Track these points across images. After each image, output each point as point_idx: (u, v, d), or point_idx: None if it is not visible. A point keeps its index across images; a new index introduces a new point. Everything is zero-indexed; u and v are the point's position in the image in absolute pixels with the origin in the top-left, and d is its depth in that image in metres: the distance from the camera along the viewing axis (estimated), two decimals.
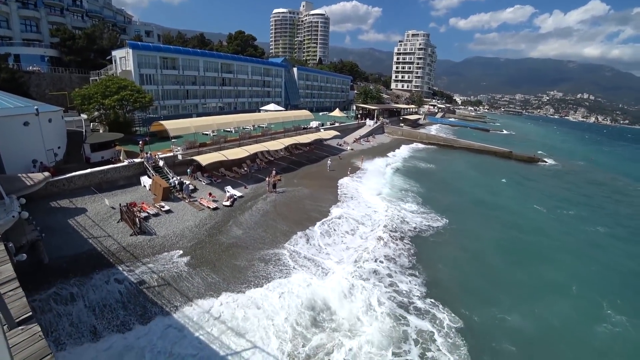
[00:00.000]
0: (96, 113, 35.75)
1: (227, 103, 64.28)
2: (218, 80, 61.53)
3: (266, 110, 54.79)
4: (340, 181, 32.28)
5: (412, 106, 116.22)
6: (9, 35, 53.73)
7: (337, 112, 72.61)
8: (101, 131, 34.98)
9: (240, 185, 27.94)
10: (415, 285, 16.56)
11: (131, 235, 17.71)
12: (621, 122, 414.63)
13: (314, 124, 52.58)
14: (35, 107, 23.07)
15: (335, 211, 24.82)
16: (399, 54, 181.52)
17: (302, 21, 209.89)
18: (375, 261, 18.34)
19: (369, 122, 67.77)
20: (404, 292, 15.95)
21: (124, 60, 48.72)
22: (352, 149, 48.37)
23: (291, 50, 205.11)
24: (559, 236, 24.85)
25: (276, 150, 37.69)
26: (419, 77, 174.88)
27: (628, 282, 18.89)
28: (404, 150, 54.16)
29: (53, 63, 53.22)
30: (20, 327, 5.12)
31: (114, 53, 51.21)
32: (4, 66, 38.00)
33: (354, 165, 38.83)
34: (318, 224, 22.14)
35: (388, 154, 48.89)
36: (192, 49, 65.13)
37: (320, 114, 77.30)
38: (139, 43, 51.87)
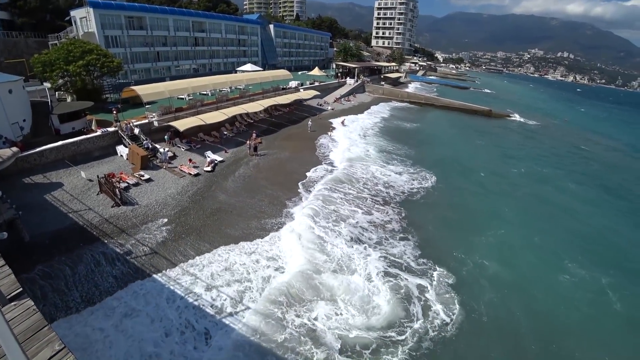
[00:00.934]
0: (60, 81, 33.63)
1: (202, 64, 61.37)
2: (190, 41, 58.12)
3: (243, 71, 52.63)
4: (322, 141, 32.15)
5: (393, 64, 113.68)
6: None
7: (316, 71, 70.37)
8: (68, 100, 33.17)
9: (221, 150, 27.52)
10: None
11: (112, 206, 17.47)
12: (597, 81, 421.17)
13: (292, 83, 51.17)
14: None
15: (317, 174, 25.01)
16: (379, 8, 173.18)
17: None
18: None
19: (349, 80, 66.35)
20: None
21: (84, 21, 45.11)
22: (332, 109, 47.73)
23: (266, 6, 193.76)
24: (532, 192, 26.01)
25: (255, 113, 36.84)
26: (400, 33, 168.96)
27: (590, 235, 20.27)
28: (384, 109, 53.87)
29: (4, 27, 48.61)
30: (12, 303, 5.13)
31: (72, 13, 47.15)
32: None
33: (335, 125, 38.56)
34: (302, 187, 22.35)
35: (369, 113, 48.59)
36: (160, 6, 60.55)
37: (299, 73, 74.87)
38: (99, 1, 47.79)
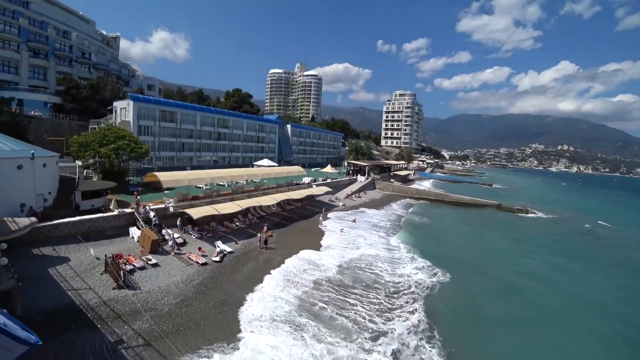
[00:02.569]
0: (91, 160, 35.85)
1: (222, 157, 65.50)
2: (214, 135, 63.37)
3: (259, 166, 55.76)
4: (332, 237, 31.98)
5: (402, 162, 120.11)
6: (15, 80, 55.43)
7: (329, 168, 74.40)
8: (94, 179, 34.79)
9: (231, 241, 27.41)
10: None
11: (114, 288, 16.83)
12: (602, 170, 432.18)
13: (306, 179, 53.42)
14: (32, 151, 23.13)
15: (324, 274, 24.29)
16: (387, 112, 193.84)
17: (297, 81, 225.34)
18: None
19: (360, 178, 69.12)
20: None
21: (124, 111, 50.13)
22: (344, 205, 48.68)
23: (285, 108, 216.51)
24: (552, 288, 24.49)
25: (268, 206, 37.68)
26: (407, 133, 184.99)
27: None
28: (394, 205, 54.70)
29: (55, 110, 54.32)
30: None
31: (115, 104, 52.80)
32: (5, 109, 38.76)
33: (346, 220, 38.81)
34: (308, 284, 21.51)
35: (379, 209, 49.29)
36: (191, 103, 67.73)
37: (313, 169, 78.88)
38: (140, 95, 53.90)
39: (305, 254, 26.63)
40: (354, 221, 39.20)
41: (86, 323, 13.91)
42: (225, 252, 24.57)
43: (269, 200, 36.05)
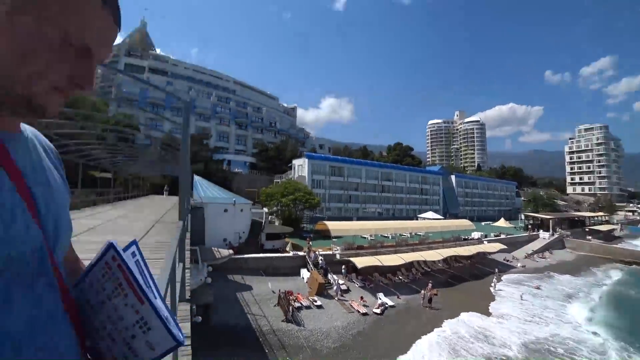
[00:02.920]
0: (274, 208, 42.03)
1: (386, 209, 66.40)
2: (378, 187, 65.46)
3: (424, 218, 53.45)
4: (508, 305, 26.49)
5: (600, 214, 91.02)
6: (227, 146, 75.09)
7: (502, 222, 64.21)
8: (276, 224, 40.25)
9: (393, 294, 26.12)
10: None
11: (282, 321, 18.11)
12: None
13: (475, 234, 47.63)
14: (234, 199, 28.84)
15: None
16: (571, 152, 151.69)
17: (457, 129, 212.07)
18: None
19: (542, 234, 56.79)
20: None
21: (300, 167, 57.89)
22: (523, 266, 40.44)
23: (448, 158, 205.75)
24: None
25: (433, 261, 34.90)
26: (603, 177, 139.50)
27: None
28: (596, 271, 41.80)
29: (251, 167, 69.17)
30: None
31: (294, 161, 61.82)
32: (220, 168, 50.93)
33: (526, 285, 31.86)
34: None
35: (575, 275, 38.55)
36: (356, 159, 72.93)
37: (483, 223, 70.05)
38: (313, 154, 61.84)
39: (474, 320, 22.74)
40: (538, 288, 31.83)
41: (257, 345, 15.28)
42: (386, 305, 23.41)
43: (435, 255, 33.46)
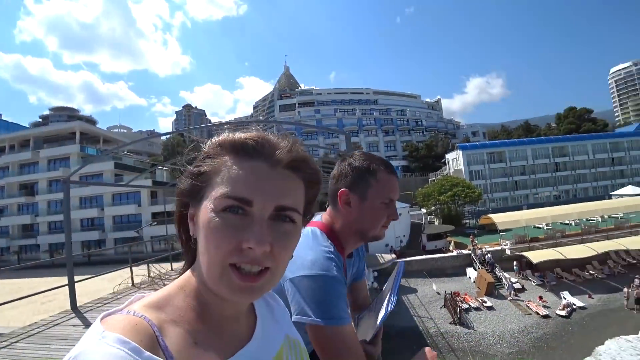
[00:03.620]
0: (433, 208, 42.04)
1: (564, 191, 56.20)
2: (550, 167, 55.99)
3: (620, 196, 43.10)
4: None
5: None
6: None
7: None
8: (436, 223, 40.21)
9: (583, 293, 22.77)
10: None
11: (450, 323, 18.69)
12: None
13: None
14: None
15: None
16: None
17: None
18: None
19: None
20: None
21: (455, 161, 55.35)
22: None
23: None
24: None
25: None
26: None
27: None
28: None
29: (403, 170, 70.27)
30: None
31: (447, 156, 59.53)
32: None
33: None
34: None
35: None
36: (518, 139, 64.13)
37: None
38: (467, 144, 58.04)
39: None
40: None
41: (424, 346, 16.31)
42: (574, 307, 20.77)
43: None
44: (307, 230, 1.26)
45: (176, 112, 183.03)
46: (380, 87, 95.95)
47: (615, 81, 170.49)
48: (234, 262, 0.55)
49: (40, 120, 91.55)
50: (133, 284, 9.14)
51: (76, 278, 6.64)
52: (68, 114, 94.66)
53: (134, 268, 9.32)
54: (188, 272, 0.66)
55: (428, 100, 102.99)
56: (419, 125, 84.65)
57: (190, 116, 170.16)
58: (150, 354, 0.47)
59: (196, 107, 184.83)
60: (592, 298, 22.09)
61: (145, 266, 9.88)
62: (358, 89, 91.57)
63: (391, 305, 1.17)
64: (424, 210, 43.79)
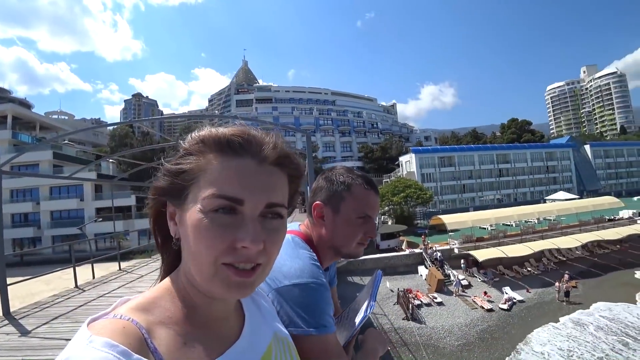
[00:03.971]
0: (386, 208, 43.13)
1: (506, 194, 60.78)
2: (494, 172, 60.33)
3: (553, 200, 47.38)
4: None
5: None
6: (334, 155, 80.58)
7: None
8: (389, 223, 41.32)
9: (522, 288, 24.58)
10: None
11: (403, 319, 19.26)
12: None
13: (624, 213, 40.15)
14: None
15: None
16: None
17: (586, 89, 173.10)
18: None
19: None
20: None
21: (408, 163, 57.58)
22: None
23: (577, 125, 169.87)
24: None
25: (569, 249, 31.10)
26: None
27: None
28: None
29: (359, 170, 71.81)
30: None
31: (400, 159, 61.82)
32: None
33: None
34: None
35: None
36: (467, 145, 68.39)
37: (635, 199, 57.86)
38: (419, 148, 60.90)
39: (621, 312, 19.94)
40: None
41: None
42: (514, 300, 22.34)
43: (570, 241, 29.87)
44: (287, 237, 1.18)
45: (125, 101, 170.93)
46: (339, 88, 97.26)
47: (551, 98, 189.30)
48: (228, 261, 0.55)
49: None
50: (76, 286, 8.34)
51: (8, 280, 5.94)
52: None
53: (76, 268, 8.51)
54: (173, 274, 0.65)
55: (384, 103, 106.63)
56: (374, 128, 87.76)
57: (140, 106, 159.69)
58: (140, 357, 0.46)
59: (147, 96, 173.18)
60: (530, 292, 23.92)
61: (89, 266, 9.04)
62: (316, 88, 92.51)
63: (370, 309, 1.17)
64: None
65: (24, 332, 4.83)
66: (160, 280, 0.69)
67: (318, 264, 1.11)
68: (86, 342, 0.45)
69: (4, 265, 6.00)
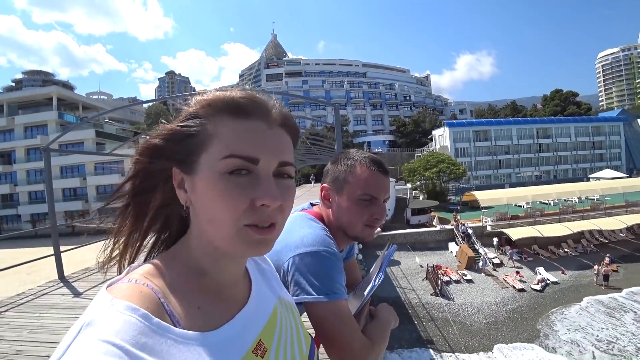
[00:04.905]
0: (418, 183, 42.58)
1: (545, 171, 57.75)
2: (534, 147, 57.14)
3: (598, 179, 44.60)
4: None
5: None
6: (365, 129, 78.38)
7: None
8: (420, 198, 40.86)
9: (557, 269, 23.87)
10: None
11: (431, 294, 19.48)
12: None
13: None
14: None
15: None
16: None
17: None
18: None
19: None
20: None
21: (441, 137, 55.72)
22: None
23: (632, 97, 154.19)
24: None
25: (613, 231, 29.52)
26: None
27: None
28: None
29: (390, 145, 70.63)
30: None
31: (434, 132, 59.79)
32: (361, 151, 54.44)
33: None
34: None
35: None
36: (504, 118, 64.79)
37: None
38: (454, 121, 58.44)
39: None
40: None
41: (406, 317, 17.04)
42: (548, 282, 21.82)
43: (614, 223, 28.34)
44: (300, 214, 1.26)
45: (159, 79, 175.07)
46: (370, 60, 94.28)
47: (602, 66, 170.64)
48: (249, 222, 0.55)
49: (13, 84, 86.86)
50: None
51: (62, 248, 6.54)
52: (43, 77, 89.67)
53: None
54: (178, 244, 0.65)
55: (417, 75, 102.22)
56: (407, 100, 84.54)
57: (173, 83, 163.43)
58: (159, 320, 0.48)
59: (179, 74, 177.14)
60: (565, 274, 23.19)
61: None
62: (347, 60, 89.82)
63: (379, 279, 1.21)
64: (409, 185, 44.33)
65: (76, 294, 5.36)
66: (155, 252, 0.70)
67: (330, 235, 1.14)
68: (108, 304, 0.47)
69: (57, 235, 6.59)
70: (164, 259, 0.61)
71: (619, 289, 20.61)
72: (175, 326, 0.51)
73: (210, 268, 0.62)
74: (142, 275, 0.56)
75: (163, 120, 0.62)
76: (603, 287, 20.93)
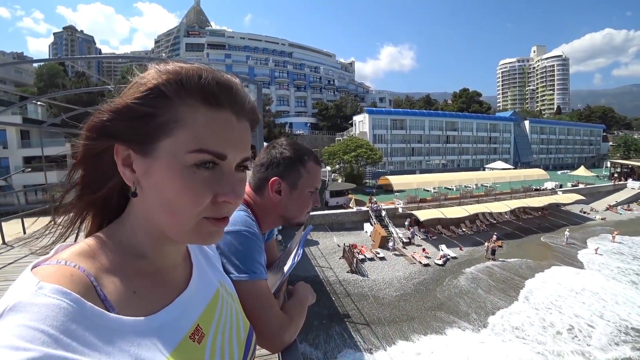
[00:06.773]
0: (337, 166, 43.64)
1: (450, 160, 64.41)
2: (442, 138, 63.21)
3: (492, 169, 51.19)
4: (584, 259, 25.59)
5: None
6: (287, 110, 77.67)
7: (581, 171, 57.47)
8: (339, 181, 42.02)
9: (456, 246, 26.76)
10: None
11: (347, 272, 20.22)
12: None
13: (548, 184, 44.68)
14: None
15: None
16: None
17: (534, 68, 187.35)
18: None
19: (632, 183, 50.14)
20: None
21: (361, 123, 57.94)
22: (603, 219, 37.38)
23: (522, 101, 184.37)
24: None
25: (500, 213, 34.19)
26: None
27: None
28: None
29: (312, 128, 70.97)
30: None
31: (354, 118, 61.93)
32: (282, 131, 53.38)
33: (606, 240, 29.96)
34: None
35: None
36: (419, 110, 70.39)
37: (559, 172, 64.42)
38: (374, 109, 61.26)
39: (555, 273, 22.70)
40: (614, 240, 29.71)
41: (325, 293, 17.55)
42: (448, 257, 24.36)
43: (501, 207, 32.77)
44: None
45: (54, 34, 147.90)
46: (297, 40, 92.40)
47: (502, 72, 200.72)
48: (209, 215, 0.54)
49: None
50: (4, 242, 7.28)
51: None
52: None
53: (3, 223, 7.39)
54: (114, 224, 0.60)
55: (342, 60, 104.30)
56: (331, 85, 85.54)
57: (73, 41, 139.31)
58: (93, 305, 0.44)
59: (82, 30, 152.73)
60: (462, 250, 26.15)
61: (18, 220, 7.92)
62: (274, 38, 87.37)
63: (297, 257, 1.25)
64: (328, 168, 45.28)
65: None
66: (90, 231, 0.63)
67: (251, 217, 1.14)
68: (35, 287, 0.42)
69: None
70: (98, 239, 0.56)
71: (503, 261, 24.17)
72: (109, 312, 0.47)
73: (151, 251, 0.59)
74: (72, 255, 0.50)
75: (112, 89, 0.57)
76: (491, 261, 24.19)
